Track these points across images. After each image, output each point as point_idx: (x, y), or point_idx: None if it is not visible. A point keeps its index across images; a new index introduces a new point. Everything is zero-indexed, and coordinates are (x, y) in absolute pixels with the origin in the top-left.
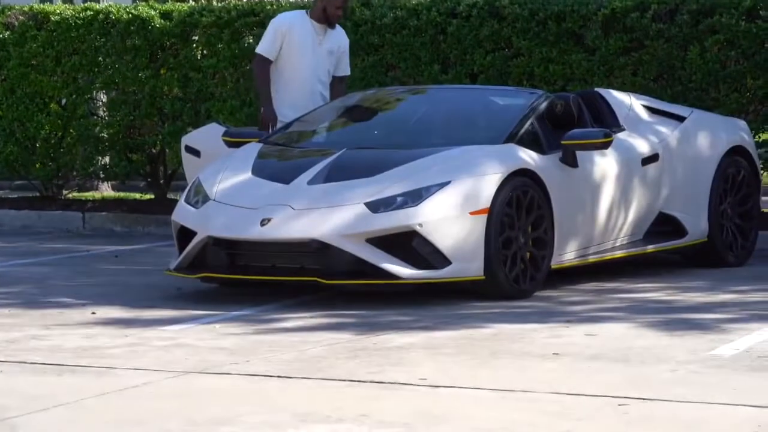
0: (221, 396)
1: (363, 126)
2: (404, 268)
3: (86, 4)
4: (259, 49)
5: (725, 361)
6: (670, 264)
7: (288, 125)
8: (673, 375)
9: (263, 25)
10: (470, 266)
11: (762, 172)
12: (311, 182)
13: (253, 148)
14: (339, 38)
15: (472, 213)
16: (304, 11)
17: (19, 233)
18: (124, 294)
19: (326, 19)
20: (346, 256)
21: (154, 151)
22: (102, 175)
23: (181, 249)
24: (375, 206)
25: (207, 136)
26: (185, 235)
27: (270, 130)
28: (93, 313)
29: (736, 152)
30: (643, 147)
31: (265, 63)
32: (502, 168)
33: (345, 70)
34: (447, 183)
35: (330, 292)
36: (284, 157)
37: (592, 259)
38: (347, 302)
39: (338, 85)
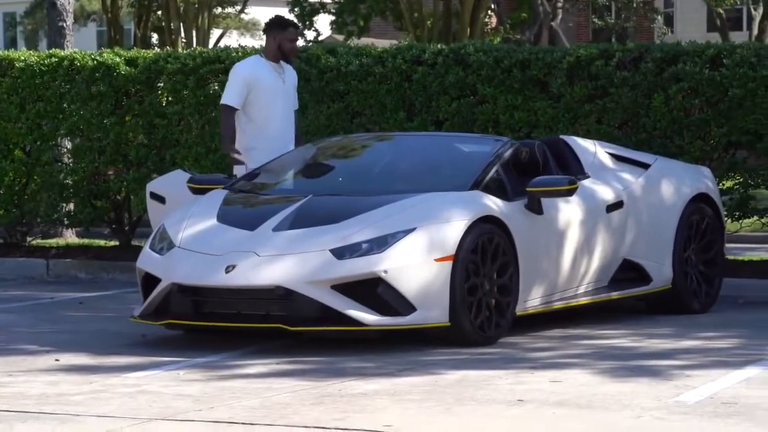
0: None
1: (328, 173)
2: (369, 314)
3: (51, 51)
4: (226, 100)
5: (690, 407)
6: (635, 310)
7: (253, 172)
8: (638, 421)
9: (228, 72)
10: (435, 313)
11: (726, 219)
12: (276, 229)
13: (218, 195)
14: (293, 72)
15: (437, 259)
16: (257, 55)
17: None
18: (89, 341)
19: (283, 56)
20: (311, 302)
21: (118, 197)
22: (66, 222)
23: (146, 296)
24: (340, 253)
25: (172, 182)
26: (150, 281)
27: (240, 166)
28: (57, 360)
29: (701, 199)
30: (607, 194)
31: (232, 112)
32: (468, 215)
33: (296, 103)
34: (412, 230)
35: (295, 338)
36: (249, 204)
37: (557, 305)
38: (312, 348)
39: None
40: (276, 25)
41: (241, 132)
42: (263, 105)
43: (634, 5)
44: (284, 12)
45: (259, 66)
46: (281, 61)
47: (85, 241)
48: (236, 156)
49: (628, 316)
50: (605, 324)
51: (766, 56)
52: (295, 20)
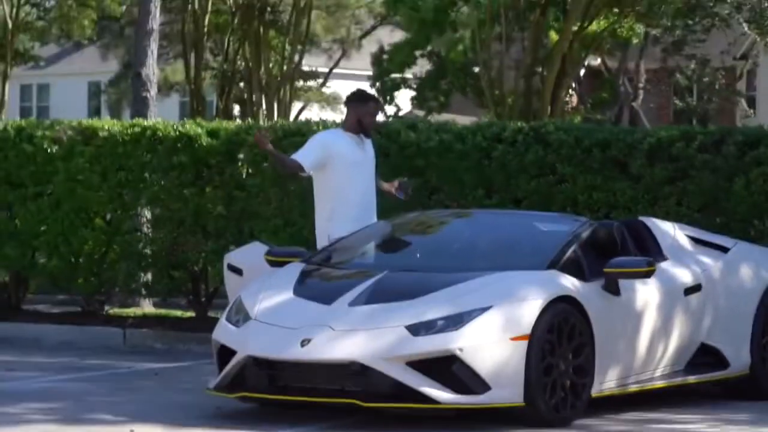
0: None
1: (406, 248)
2: (443, 392)
3: (134, 121)
4: (298, 157)
5: None
6: (712, 395)
7: (331, 245)
8: None
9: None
10: (510, 392)
11: None
12: (352, 303)
13: (295, 268)
14: (372, 146)
15: (512, 338)
16: (338, 129)
17: (60, 348)
18: (164, 412)
19: (362, 129)
20: (386, 378)
21: (196, 268)
22: (144, 292)
23: (221, 368)
24: (416, 329)
25: (250, 254)
26: (226, 353)
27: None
28: (132, 430)
29: None
30: (686, 277)
31: (298, 169)
32: (544, 294)
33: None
34: (488, 308)
35: (369, 414)
36: (326, 278)
37: (632, 388)
38: (386, 425)
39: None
40: (356, 99)
41: (324, 201)
42: (344, 175)
43: (717, 88)
44: (366, 86)
45: (339, 137)
46: (361, 135)
47: (162, 311)
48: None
49: (705, 400)
50: (681, 408)
51: None
52: (377, 95)
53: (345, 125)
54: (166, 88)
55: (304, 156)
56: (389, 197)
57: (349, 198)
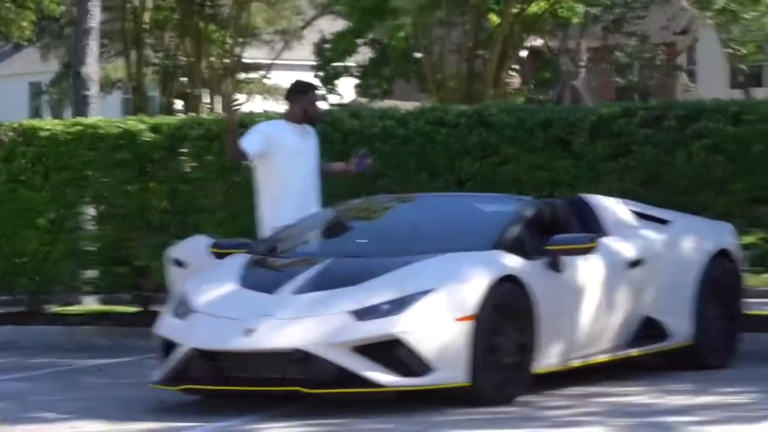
0: None
1: (350, 234)
2: (388, 375)
3: (76, 119)
4: (245, 145)
5: None
6: (654, 366)
7: (274, 235)
8: None
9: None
10: (454, 373)
11: (747, 274)
12: (296, 291)
13: (238, 259)
14: (315, 136)
15: (457, 319)
16: (281, 120)
17: (4, 348)
18: (107, 408)
19: (309, 119)
20: (330, 365)
21: (140, 264)
22: (88, 289)
23: (165, 361)
24: (360, 315)
25: (193, 248)
26: (169, 346)
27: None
28: (72, 428)
29: (722, 255)
30: (628, 251)
31: (242, 156)
32: (488, 274)
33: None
34: (432, 290)
35: (314, 400)
36: (270, 267)
37: (576, 363)
38: (331, 411)
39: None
40: (298, 90)
41: (266, 191)
42: (286, 165)
43: (657, 63)
44: (308, 76)
45: (281, 127)
46: (304, 125)
47: (107, 307)
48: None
49: (647, 372)
50: (623, 381)
51: None
52: (320, 84)
53: (288, 117)
54: (107, 85)
55: (248, 143)
56: (347, 176)
57: (291, 188)
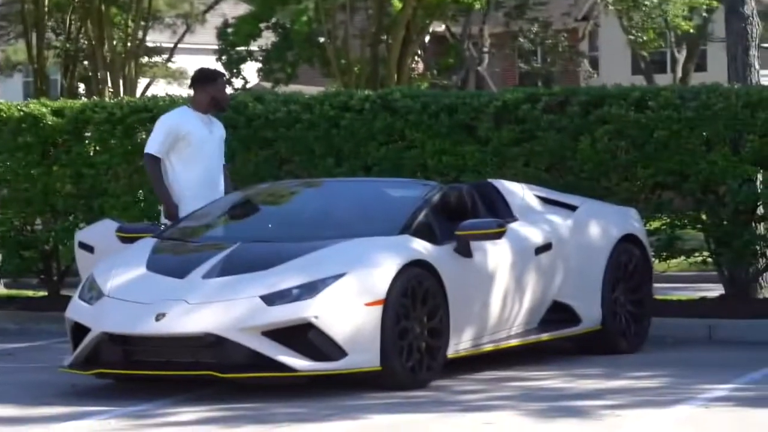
0: None
1: (257, 220)
2: (300, 360)
3: None
4: (149, 149)
5: None
6: (564, 351)
7: (182, 220)
8: None
9: (155, 121)
10: (366, 357)
11: (653, 259)
12: (206, 276)
13: (147, 244)
14: (220, 125)
15: (367, 304)
16: (185, 106)
17: None
18: (17, 392)
19: (217, 106)
20: (242, 349)
21: (47, 248)
22: None
23: (76, 345)
24: (270, 299)
25: (100, 232)
26: (80, 331)
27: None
28: None
29: (628, 240)
30: (536, 236)
31: (156, 162)
32: (397, 259)
33: (224, 157)
34: (342, 275)
35: (226, 385)
36: (179, 252)
37: (487, 348)
38: (243, 395)
39: (225, 174)
40: (206, 78)
41: (172, 182)
42: (191, 155)
43: (560, 49)
44: (211, 60)
45: (185, 116)
46: (209, 114)
47: (13, 291)
48: (170, 203)
49: (558, 357)
50: (535, 365)
51: (689, 98)
52: (222, 69)
53: (194, 105)
54: (8, 68)
55: (153, 142)
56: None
57: (195, 177)
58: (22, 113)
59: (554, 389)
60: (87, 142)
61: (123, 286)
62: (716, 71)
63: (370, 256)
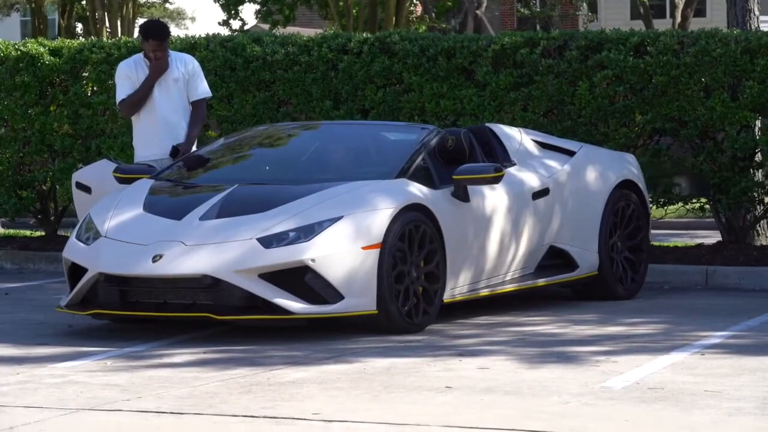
0: None
1: (254, 162)
2: (297, 302)
3: None
4: (120, 97)
5: (616, 393)
6: (560, 297)
7: (178, 161)
8: (566, 407)
9: None
10: (363, 301)
11: (651, 205)
12: (203, 218)
13: (144, 185)
14: (182, 64)
15: (364, 248)
16: (140, 55)
17: None
18: (15, 331)
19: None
20: (238, 291)
21: (44, 187)
22: None
23: (73, 286)
24: (267, 241)
25: (98, 172)
26: (76, 271)
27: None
28: None
29: (626, 186)
30: (533, 181)
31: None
32: (394, 203)
33: (196, 93)
34: (339, 218)
35: (222, 327)
36: (176, 194)
37: (483, 292)
38: (240, 337)
39: (195, 109)
40: (140, 34)
41: (134, 128)
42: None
43: None
44: (208, 1)
45: (136, 64)
46: (169, 54)
47: (11, 231)
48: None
49: (553, 302)
50: (530, 311)
51: (688, 44)
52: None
53: (144, 52)
54: (6, 7)
55: (120, 93)
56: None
57: (150, 123)
58: (19, 53)
59: (550, 335)
60: (84, 82)
61: (120, 227)
62: (715, 17)
63: (367, 199)
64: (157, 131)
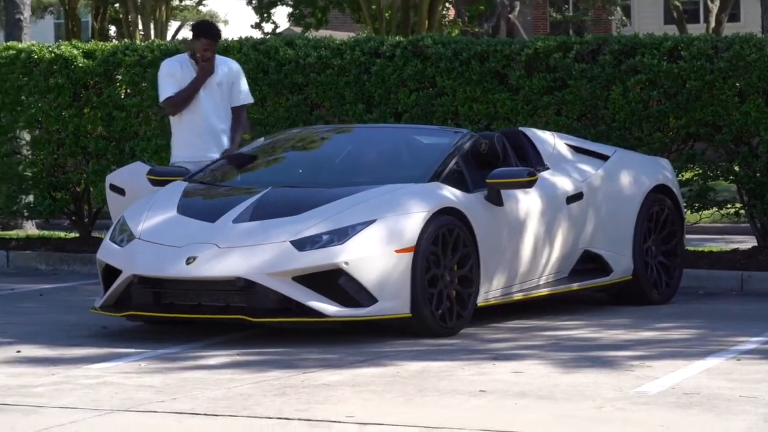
0: None
1: (288, 165)
2: (330, 305)
3: (8, 44)
4: (162, 96)
5: (651, 398)
6: (593, 301)
7: (213, 163)
8: (600, 412)
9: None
10: (396, 304)
11: (685, 210)
12: (236, 220)
13: (178, 187)
14: (227, 68)
15: (397, 251)
16: (185, 54)
17: None
18: (50, 332)
19: (197, 61)
20: (272, 294)
21: (78, 189)
22: (26, 214)
23: (107, 287)
24: (301, 244)
25: (132, 174)
26: (110, 273)
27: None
28: (18, 351)
29: (660, 191)
30: (567, 185)
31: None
32: (428, 206)
33: (239, 98)
34: (372, 221)
35: (256, 329)
36: (209, 196)
37: (517, 296)
38: (274, 340)
39: (236, 115)
40: (192, 32)
41: (173, 129)
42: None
43: None
44: (241, 4)
45: (182, 63)
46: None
47: (45, 233)
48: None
49: (587, 307)
50: (564, 315)
51: (723, 48)
52: (253, 13)
53: (191, 53)
54: (40, 10)
55: (166, 91)
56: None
57: (193, 124)
58: (53, 55)
59: (584, 339)
60: (118, 84)
61: (154, 229)
62: (750, 21)
63: (401, 202)
64: (200, 133)
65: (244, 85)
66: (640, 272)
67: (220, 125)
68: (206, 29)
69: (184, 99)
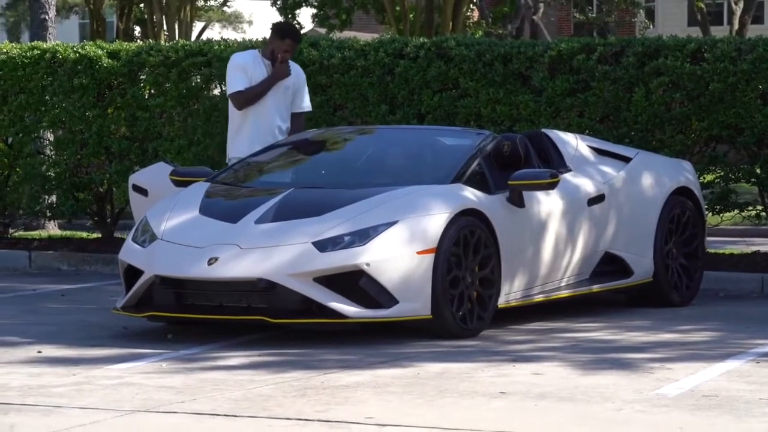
0: None
1: (311, 165)
2: (351, 306)
3: (33, 44)
4: (232, 89)
5: (670, 400)
6: (614, 303)
7: (235, 164)
8: (619, 414)
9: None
10: (417, 305)
11: (707, 212)
12: (258, 221)
13: (200, 188)
14: (294, 73)
15: (419, 252)
16: (256, 51)
17: None
18: (71, 332)
19: (272, 60)
20: (293, 295)
21: (101, 190)
22: (48, 214)
23: (128, 288)
24: (322, 245)
25: (154, 175)
26: (132, 273)
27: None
28: (39, 351)
29: (682, 193)
30: (589, 187)
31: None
32: (449, 208)
33: (301, 105)
34: (394, 222)
35: (277, 330)
36: (232, 197)
37: (538, 298)
38: (294, 341)
39: (295, 121)
40: (276, 32)
41: (231, 121)
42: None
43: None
44: (266, 5)
45: (254, 60)
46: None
47: (68, 233)
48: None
49: (607, 308)
50: (584, 317)
51: (746, 51)
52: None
53: (263, 51)
54: (65, 10)
55: (237, 83)
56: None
57: (258, 123)
58: (77, 55)
59: (604, 341)
60: (142, 84)
61: (176, 230)
62: None
63: (423, 204)
64: (265, 134)
65: (306, 92)
66: (660, 274)
67: (283, 126)
68: (293, 31)
69: (255, 95)
